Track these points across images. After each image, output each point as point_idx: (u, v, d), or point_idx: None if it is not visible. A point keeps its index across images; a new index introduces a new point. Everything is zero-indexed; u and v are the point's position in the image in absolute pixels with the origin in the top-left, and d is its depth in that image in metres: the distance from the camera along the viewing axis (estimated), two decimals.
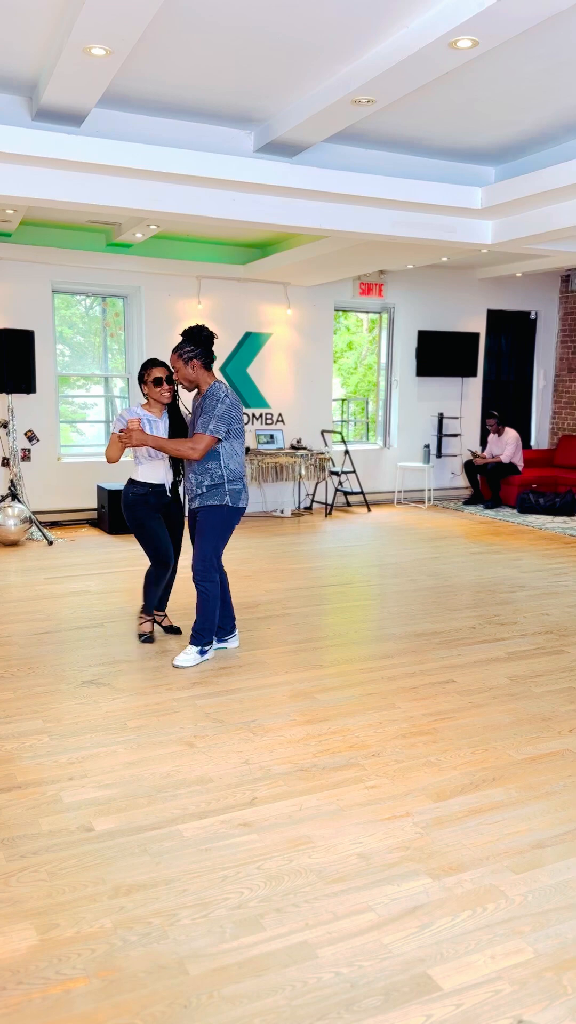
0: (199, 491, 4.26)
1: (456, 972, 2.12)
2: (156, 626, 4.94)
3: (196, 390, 4.31)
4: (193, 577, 4.32)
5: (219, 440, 4.18)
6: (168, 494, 4.59)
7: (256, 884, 2.49)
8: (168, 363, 4.40)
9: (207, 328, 4.24)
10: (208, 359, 4.24)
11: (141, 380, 4.49)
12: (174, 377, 4.33)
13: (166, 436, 4.49)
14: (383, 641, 4.83)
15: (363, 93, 4.07)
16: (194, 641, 4.39)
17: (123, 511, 4.59)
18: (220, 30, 3.73)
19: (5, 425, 7.91)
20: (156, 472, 4.54)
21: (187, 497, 4.39)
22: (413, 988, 2.06)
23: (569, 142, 5.23)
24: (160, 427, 4.52)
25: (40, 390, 8.22)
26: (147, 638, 4.74)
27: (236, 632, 4.69)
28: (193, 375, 4.22)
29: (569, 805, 2.97)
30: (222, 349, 9.09)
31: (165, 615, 4.95)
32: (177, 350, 4.20)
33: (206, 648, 4.40)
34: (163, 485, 4.55)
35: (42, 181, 4.91)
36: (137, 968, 2.13)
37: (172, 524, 4.66)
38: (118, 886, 2.48)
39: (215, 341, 4.49)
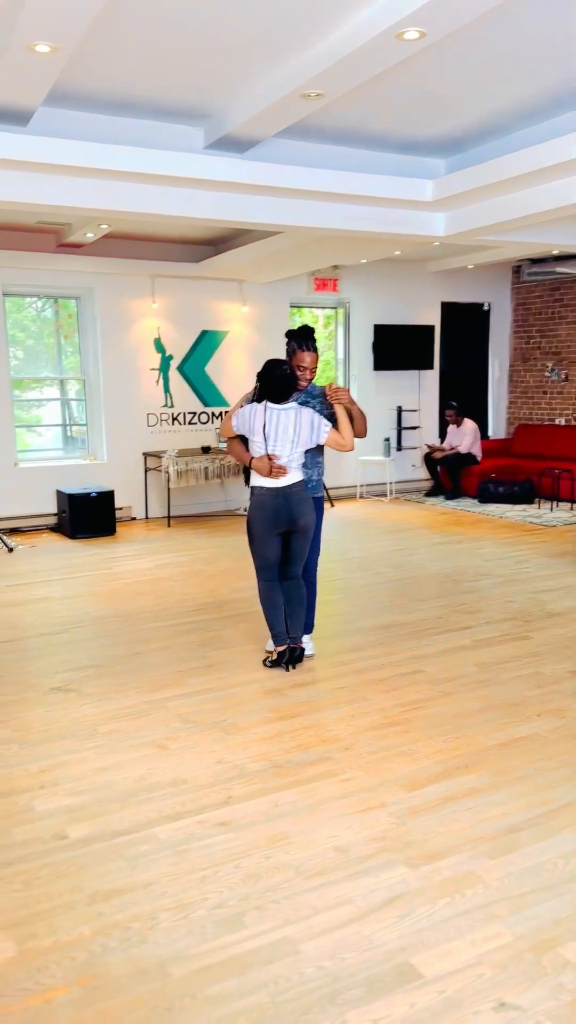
0: (310, 483, 4.30)
1: (437, 959, 2.13)
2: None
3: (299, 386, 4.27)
4: (309, 575, 4.43)
5: None
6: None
7: (235, 883, 2.48)
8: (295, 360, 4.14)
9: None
10: None
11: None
12: (309, 375, 4.19)
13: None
14: (351, 634, 4.84)
15: (311, 87, 4.06)
16: (311, 631, 4.58)
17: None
18: (167, 26, 3.70)
19: None
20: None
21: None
22: (396, 977, 2.07)
23: (517, 132, 5.29)
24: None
25: None
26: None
27: None
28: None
29: (541, 788, 3.01)
30: (178, 348, 9.04)
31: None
32: (313, 348, 4.15)
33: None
34: None
35: None
36: (118, 974, 2.11)
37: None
38: (95, 892, 2.45)
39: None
